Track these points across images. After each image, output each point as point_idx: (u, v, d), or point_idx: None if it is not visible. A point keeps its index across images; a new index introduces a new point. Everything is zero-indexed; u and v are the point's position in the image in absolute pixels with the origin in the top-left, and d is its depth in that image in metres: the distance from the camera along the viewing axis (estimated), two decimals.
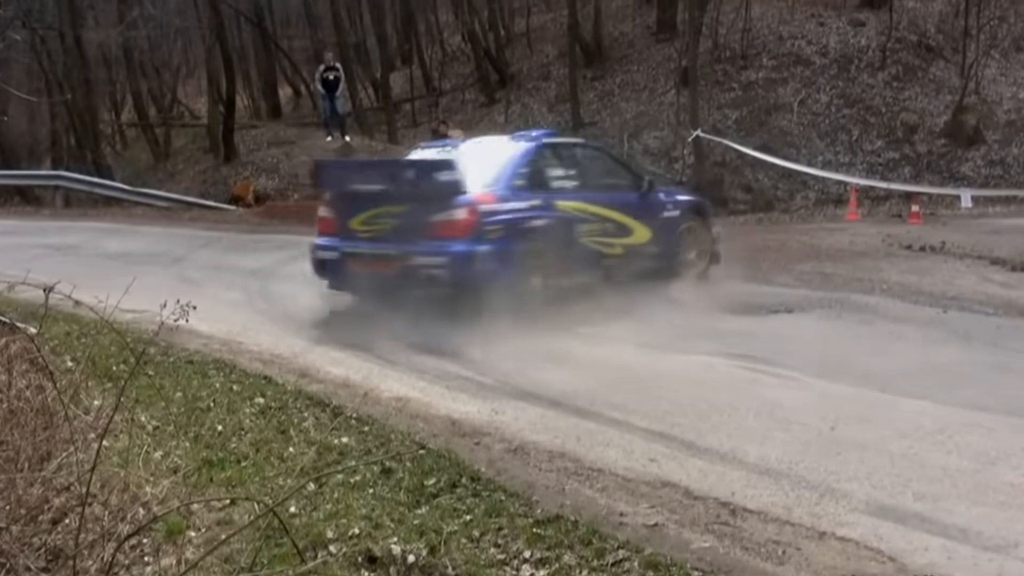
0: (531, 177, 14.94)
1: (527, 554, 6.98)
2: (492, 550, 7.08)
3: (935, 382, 11.73)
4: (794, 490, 7.99)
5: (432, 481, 8.12)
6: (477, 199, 14.06)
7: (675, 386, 11.02)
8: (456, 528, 7.33)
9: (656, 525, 7.38)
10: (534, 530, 7.24)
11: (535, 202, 14.59)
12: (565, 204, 14.96)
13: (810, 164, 31.07)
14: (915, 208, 26.47)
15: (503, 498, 7.81)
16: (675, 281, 16.92)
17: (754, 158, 29.53)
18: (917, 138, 33.52)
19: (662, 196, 16.71)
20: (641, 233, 16.05)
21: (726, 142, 29.57)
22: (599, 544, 7.01)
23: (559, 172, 15.47)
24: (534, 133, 16.09)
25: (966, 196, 29.29)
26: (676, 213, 16.74)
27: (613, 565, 6.80)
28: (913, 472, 8.45)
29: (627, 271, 15.94)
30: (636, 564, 6.77)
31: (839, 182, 30.16)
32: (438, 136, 30.98)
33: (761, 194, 30.70)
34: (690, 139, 30.74)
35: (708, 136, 30.56)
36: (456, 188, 13.86)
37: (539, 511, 7.57)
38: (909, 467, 8.58)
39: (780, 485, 8.09)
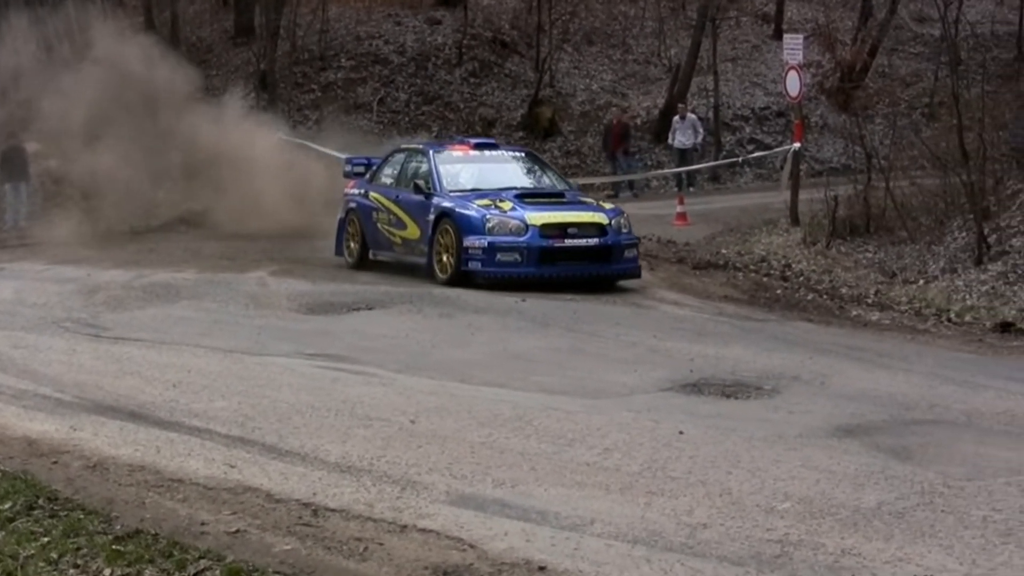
0: (376, 173, 20.87)
1: (107, 572, 6.81)
2: (71, 571, 6.88)
3: (514, 370, 12.06)
4: (376, 485, 8.04)
5: (8, 505, 7.84)
6: (348, 185, 21.50)
7: (256, 389, 10.97)
8: (33, 551, 7.09)
9: (238, 531, 7.30)
10: (114, 547, 7.06)
11: (362, 190, 20.68)
12: (372, 195, 20.34)
13: None
14: None
15: (82, 517, 7.60)
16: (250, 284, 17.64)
17: (337, 159, 29.50)
18: (495, 132, 34.16)
19: (435, 201, 18.81)
20: (413, 230, 19.13)
21: (307, 143, 29.46)
22: (180, 556, 6.89)
23: (389, 171, 20.66)
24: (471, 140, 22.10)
25: None
26: (431, 218, 18.61)
27: None
28: (493, 459, 8.62)
29: (410, 260, 19.23)
30: (218, 573, 6.67)
31: None
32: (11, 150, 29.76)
33: None
34: (274, 141, 30.49)
35: (289, 139, 30.47)
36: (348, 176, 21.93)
37: (119, 527, 7.39)
38: (489, 455, 8.75)
39: (362, 482, 8.13)
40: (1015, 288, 17.12)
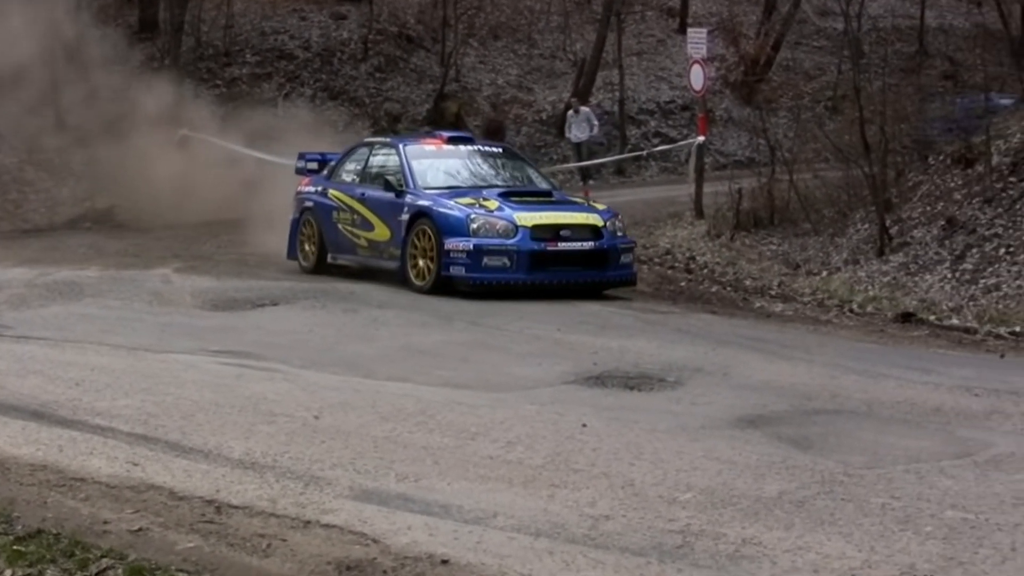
0: (336, 169, 19.51)
1: (8, 572, 6.74)
2: None
3: (418, 364, 12.10)
4: (279, 481, 8.02)
5: None
6: (302, 182, 20.02)
7: (159, 387, 10.89)
8: None
9: (141, 530, 7.25)
10: (15, 547, 6.99)
11: (320, 188, 19.33)
12: (332, 193, 18.94)
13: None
14: None
15: None
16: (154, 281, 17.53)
17: (252, 157, 29.29)
18: (402, 127, 34.21)
19: (409, 199, 17.45)
20: (383, 231, 17.79)
21: (214, 140, 29.27)
22: (82, 555, 6.83)
23: (351, 166, 19.34)
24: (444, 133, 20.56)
25: None
26: (405, 217, 17.25)
27: (97, 575, 6.65)
28: (396, 454, 8.63)
29: (378, 264, 17.99)
30: (120, 572, 6.63)
31: None
32: None
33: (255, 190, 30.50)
34: (177, 139, 30.27)
35: (195, 134, 30.22)
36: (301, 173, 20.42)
37: (20, 527, 7.31)
38: (392, 449, 8.76)
39: (265, 478, 8.11)
40: (916, 279, 17.38)
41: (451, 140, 19.40)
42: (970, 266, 17.41)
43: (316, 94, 35.70)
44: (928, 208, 19.61)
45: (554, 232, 16.76)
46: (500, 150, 20.50)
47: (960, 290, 16.81)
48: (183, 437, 9.18)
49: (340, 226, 18.65)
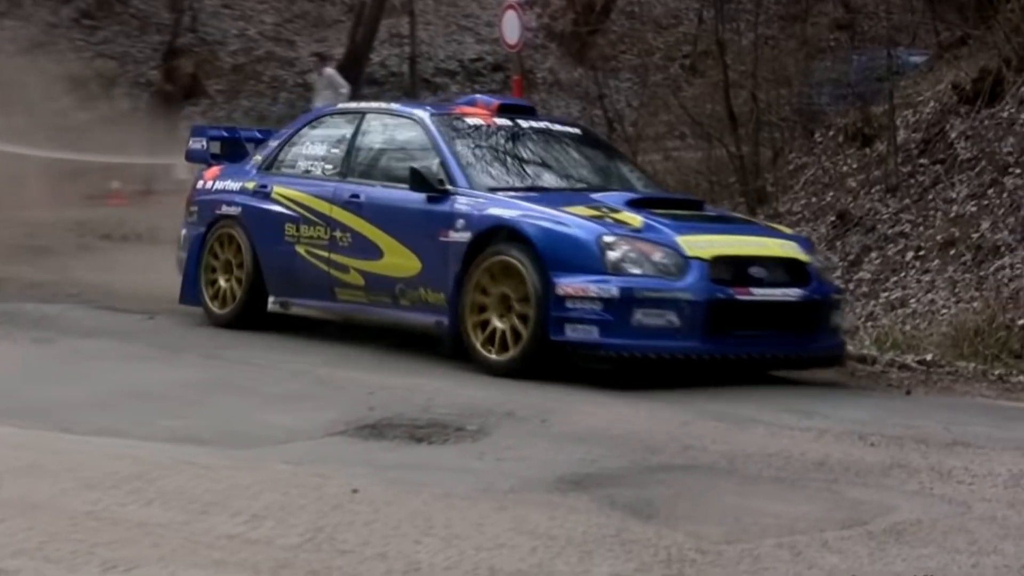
0: (280, 152, 16.19)
1: None
2: None
3: (135, 412, 12.01)
4: None
5: None
6: (207, 174, 16.61)
7: None
8: None
9: None
10: None
11: (252, 183, 15.96)
12: (283, 193, 15.64)
13: None
14: (116, 185, 26.88)
15: None
16: None
17: None
18: (118, 91, 34.10)
19: (462, 204, 14.02)
20: (401, 260, 14.46)
21: None
22: None
23: (318, 150, 15.84)
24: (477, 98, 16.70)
25: (182, 166, 29.93)
26: (460, 237, 13.84)
27: None
28: (102, 534, 8.53)
29: (382, 317, 15.25)
30: None
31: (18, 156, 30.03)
32: None
33: None
34: None
35: None
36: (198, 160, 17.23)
37: None
38: (97, 528, 8.66)
39: None
40: None
41: (504, 110, 15.91)
42: (868, 275, 17.79)
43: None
44: (814, 199, 20.01)
45: (741, 269, 13.43)
46: (579, 131, 17.05)
47: (855, 306, 17.14)
48: None
49: (301, 250, 15.38)
